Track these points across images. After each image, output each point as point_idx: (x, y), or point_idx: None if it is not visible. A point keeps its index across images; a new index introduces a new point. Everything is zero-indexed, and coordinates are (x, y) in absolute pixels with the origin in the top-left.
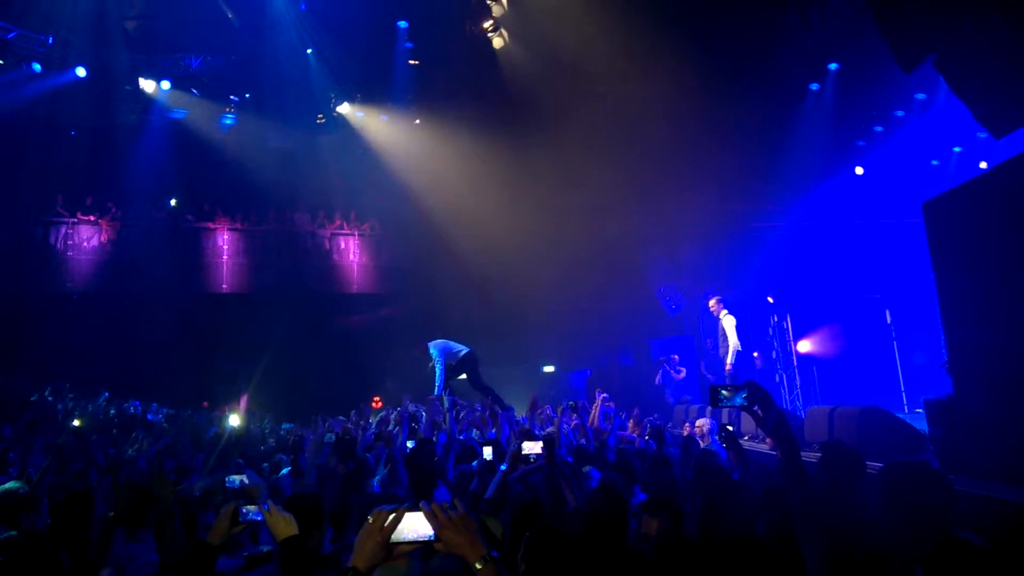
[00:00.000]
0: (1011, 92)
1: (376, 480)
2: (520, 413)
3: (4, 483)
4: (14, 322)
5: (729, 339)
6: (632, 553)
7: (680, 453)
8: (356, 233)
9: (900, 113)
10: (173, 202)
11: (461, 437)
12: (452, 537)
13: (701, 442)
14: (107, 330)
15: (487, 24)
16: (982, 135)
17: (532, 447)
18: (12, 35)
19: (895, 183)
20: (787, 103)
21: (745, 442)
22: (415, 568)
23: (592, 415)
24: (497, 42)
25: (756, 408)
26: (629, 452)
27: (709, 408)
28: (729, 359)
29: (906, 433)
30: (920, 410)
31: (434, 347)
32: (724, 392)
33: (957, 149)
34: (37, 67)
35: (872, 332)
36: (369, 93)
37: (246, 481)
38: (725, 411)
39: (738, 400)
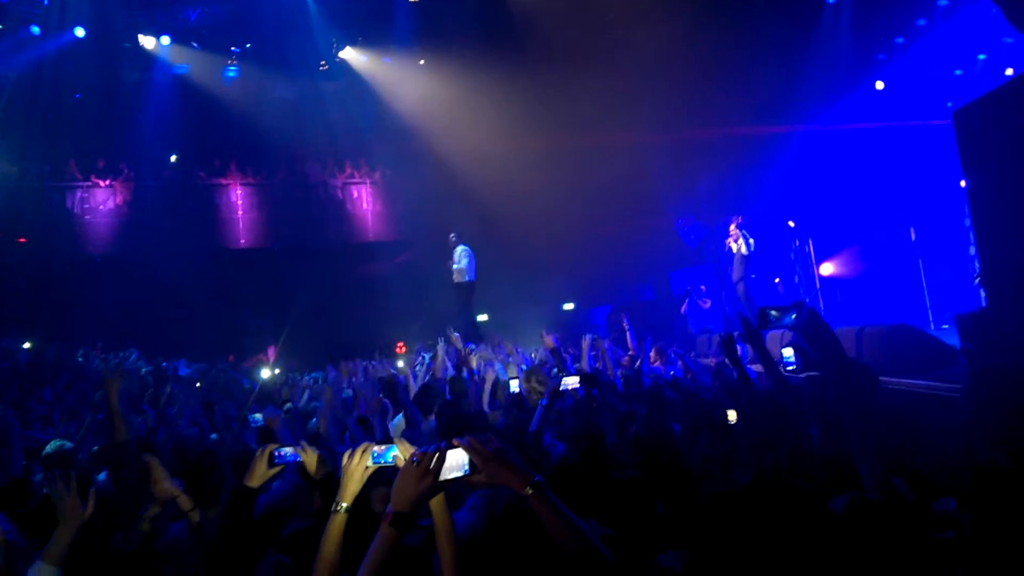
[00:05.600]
0: None
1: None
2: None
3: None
4: (40, 289)
5: (738, 249)
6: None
7: (712, 381)
8: (368, 181)
9: (922, 22)
10: (173, 158)
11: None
12: (497, 469)
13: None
14: (130, 291)
15: None
16: (1009, 40)
17: (571, 382)
18: None
19: (918, 95)
20: (803, 18)
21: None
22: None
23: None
24: None
25: (806, 327)
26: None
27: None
28: (736, 270)
29: (937, 348)
30: (947, 326)
31: (467, 252)
32: (773, 312)
33: (982, 57)
34: (36, 30)
35: (896, 251)
36: (371, 36)
37: (260, 419)
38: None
39: (787, 320)
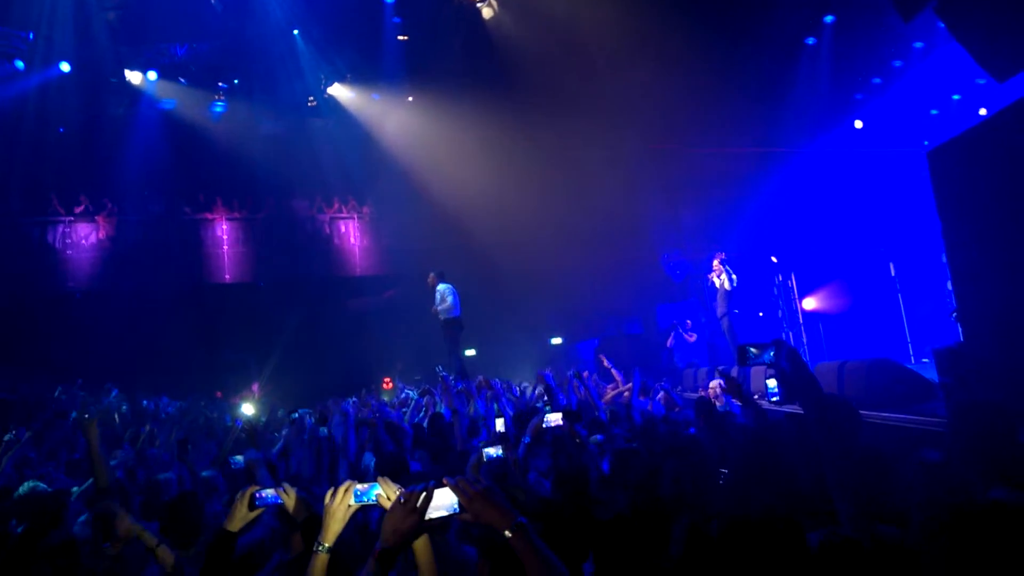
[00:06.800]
0: (1013, 34)
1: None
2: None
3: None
4: (19, 325)
5: (722, 284)
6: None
7: (695, 415)
8: (355, 216)
9: (898, 63)
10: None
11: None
12: (481, 509)
13: (717, 403)
14: (112, 327)
15: None
16: (981, 81)
17: (553, 419)
18: None
19: (895, 134)
20: (782, 59)
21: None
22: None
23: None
24: (486, 12)
25: (784, 365)
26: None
27: (718, 370)
28: (720, 305)
29: (916, 383)
30: (927, 360)
31: (450, 290)
32: (752, 350)
33: (956, 97)
34: (20, 64)
35: (877, 286)
36: (359, 72)
37: (240, 461)
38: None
39: (766, 357)
